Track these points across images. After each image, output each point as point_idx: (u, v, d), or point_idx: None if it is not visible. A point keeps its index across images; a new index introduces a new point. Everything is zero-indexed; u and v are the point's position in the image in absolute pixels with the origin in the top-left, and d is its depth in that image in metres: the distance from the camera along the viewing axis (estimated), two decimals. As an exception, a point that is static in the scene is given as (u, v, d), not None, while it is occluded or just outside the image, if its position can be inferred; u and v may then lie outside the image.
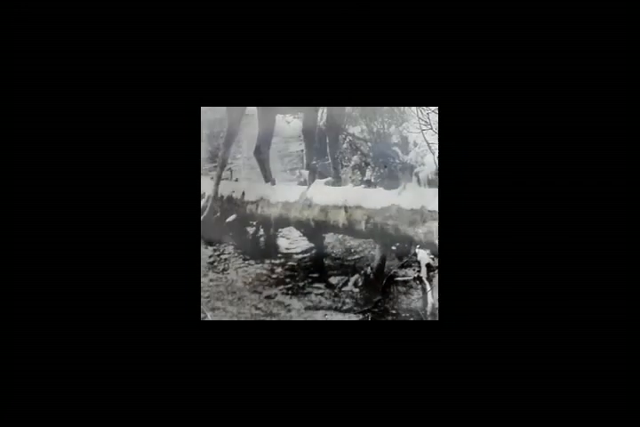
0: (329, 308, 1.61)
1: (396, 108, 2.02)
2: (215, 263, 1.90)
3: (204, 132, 2.14)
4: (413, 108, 1.96)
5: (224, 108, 2.02)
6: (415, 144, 1.92)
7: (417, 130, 1.84)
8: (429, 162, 1.83)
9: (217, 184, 1.93)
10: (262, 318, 1.61)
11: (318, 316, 1.61)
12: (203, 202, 1.99)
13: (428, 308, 1.57)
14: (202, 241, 1.92)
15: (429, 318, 1.57)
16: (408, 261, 1.76)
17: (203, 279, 1.77)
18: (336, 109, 1.94)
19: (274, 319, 1.60)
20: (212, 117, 2.08)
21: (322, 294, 1.70)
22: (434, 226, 1.58)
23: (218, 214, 2.00)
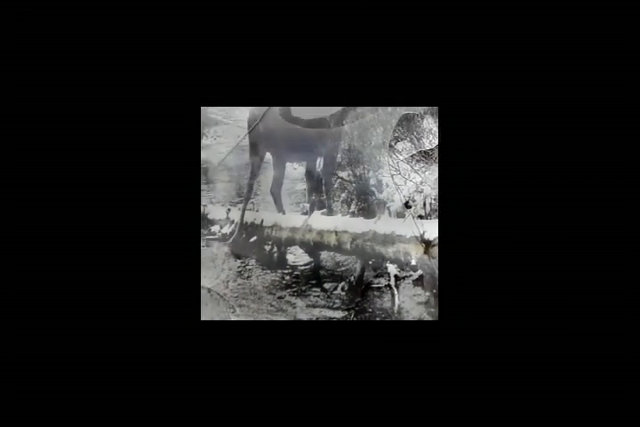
0: (323, 306, 1.81)
1: (373, 158, 2.13)
2: (242, 272, 2.11)
3: (234, 174, 2.31)
4: (386, 158, 2.11)
5: (247, 155, 2.23)
6: (387, 185, 2.07)
7: (388, 175, 2.03)
8: (397, 199, 2.01)
9: (243, 213, 2.17)
10: (275, 313, 1.77)
11: (315, 312, 1.77)
12: (232, 227, 2.20)
13: (395, 308, 1.74)
14: (232, 255, 2.16)
15: (396, 316, 1.72)
16: (381, 272, 1.89)
17: (232, 284, 1.99)
18: (329, 159, 2.16)
19: (282, 315, 1.75)
20: (239, 163, 2.27)
21: (318, 296, 1.89)
22: (401, 247, 1.74)
23: (244, 236, 2.21)
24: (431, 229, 1.66)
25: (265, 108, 2.06)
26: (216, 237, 2.24)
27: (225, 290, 1.90)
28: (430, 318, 1.64)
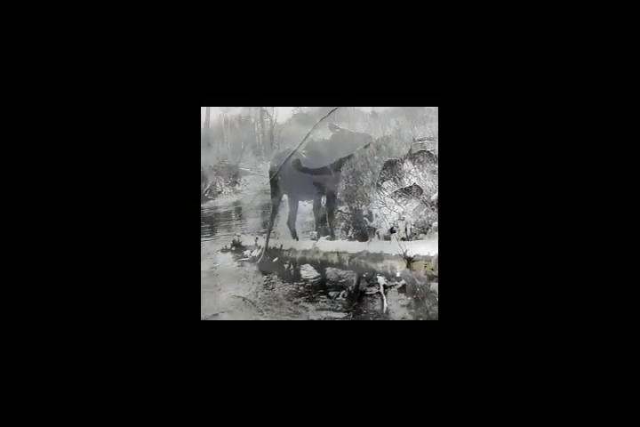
0: (329, 309, 1.97)
1: (364, 195, 2.38)
2: (267, 284, 2.31)
3: (259, 211, 2.64)
4: (375, 194, 2.38)
5: (269, 197, 2.51)
6: (376, 216, 2.34)
7: (377, 207, 2.35)
8: (384, 226, 2.26)
9: (267, 241, 2.45)
10: (293, 315, 1.92)
11: (323, 313, 1.92)
12: (259, 251, 2.44)
13: (384, 309, 1.90)
14: (260, 272, 2.38)
15: (385, 316, 1.84)
16: (372, 282, 2.07)
17: (261, 293, 2.16)
18: (331, 197, 2.40)
19: (298, 316, 1.89)
20: (264, 203, 2.59)
21: (325, 302, 2.05)
22: (388, 263, 1.94)
23: (268, 257, 2.44)
24: (412, 249, 1.87)
25: (282, 162, 2.35)
26: (248, 258, 2.53)
27: (255, 298, 2.11)
28: (412, 318, 1.79)
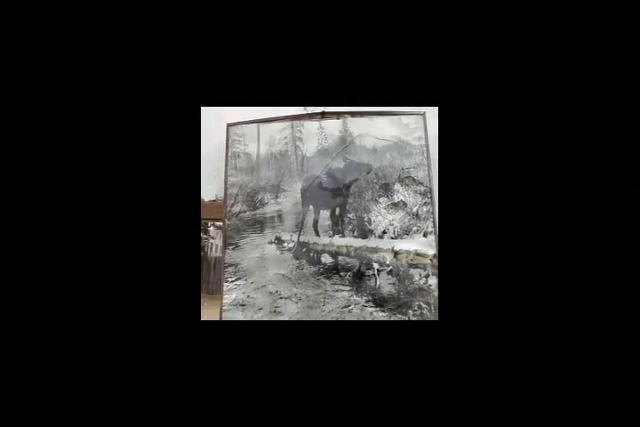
0: (339, 284, 2.37)
1: (366, 207, 2.65)
2: (299, 266, 2.62)
3: (293, 216, 2.83)
4: (373, 206, 2.66)
5: (300, 206, 2.78)
6: (374, 221, 2.66)
7: (374, 216, 2.64)
8: (379, 229, 2.58)
9: (299, 237, 2.72)
10: (316, 287, 2.30)
11: (335, 286, 2.32)
12: (294, 244, 2.73)
13: (377, 286, 2.30)
14: (294, 258, 2.67)
15: (377, 289, 2.24)
16: (369, 267, 2.44)
17: (294, 272, 2.49)
18: (342, 208, 2.70)
19: (319, 289, 2.26)
20: (297, 211, 2.83)
21: (337, 279, 2.44)
22: (381, 254, 2.36)
23: (299, 248, 2.75)
24: (397, 245, 2.26)
25: (309, 183, 2.76)
26: (286, 248, 2.80)
27: (291, 275, 2.48)
28: (395, 292, 2.18)
